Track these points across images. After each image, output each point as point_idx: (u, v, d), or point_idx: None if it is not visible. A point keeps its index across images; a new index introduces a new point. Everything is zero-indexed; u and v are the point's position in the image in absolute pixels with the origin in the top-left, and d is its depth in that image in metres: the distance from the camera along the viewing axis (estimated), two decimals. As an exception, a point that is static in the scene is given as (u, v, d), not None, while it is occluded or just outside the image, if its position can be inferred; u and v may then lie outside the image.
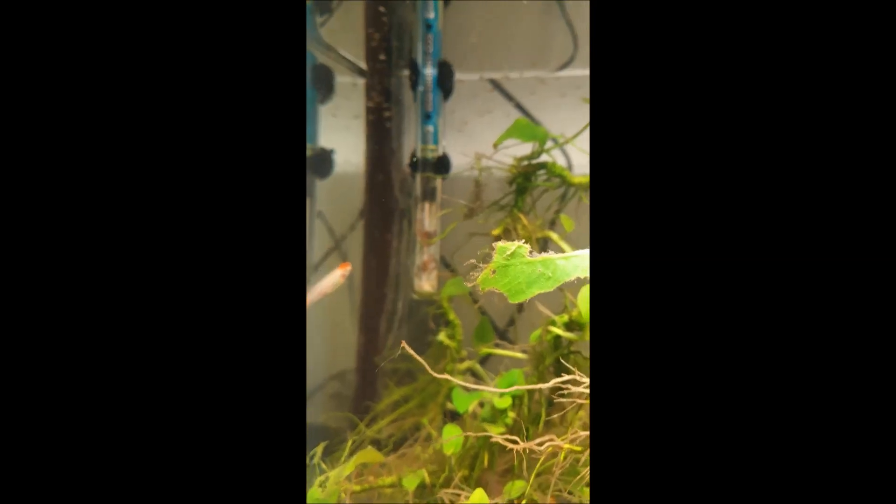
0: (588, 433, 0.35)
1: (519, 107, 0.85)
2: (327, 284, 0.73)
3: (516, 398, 0.60)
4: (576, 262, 0.29)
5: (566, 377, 0.34)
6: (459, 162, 0.84)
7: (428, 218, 0.84)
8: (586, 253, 0.29)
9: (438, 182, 0.83)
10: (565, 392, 0.34)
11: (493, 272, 0.30)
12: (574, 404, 0.36)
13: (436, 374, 0.33)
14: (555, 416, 0.50)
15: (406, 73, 0.81)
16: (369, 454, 0.51)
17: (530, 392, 0.61)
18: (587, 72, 0.84)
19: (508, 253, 0.30)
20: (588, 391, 0.35)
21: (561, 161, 0.83)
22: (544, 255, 0.29)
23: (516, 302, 0.29)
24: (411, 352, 0.32)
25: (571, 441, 0.35)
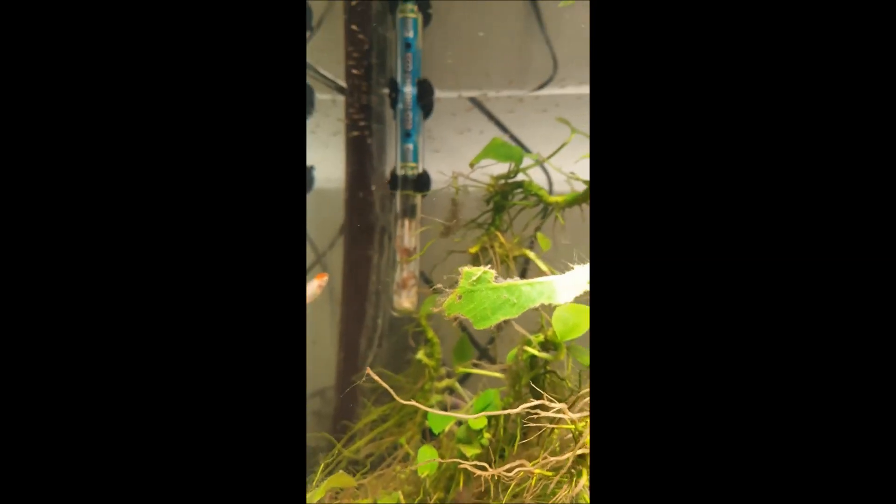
0: (559, 458, 0.35)
1: (498, 124, 0.86)
2: (305, 295, 0.73)
3: (492, 418, 0.60)
4: (541, 289, 0.29)
5: (535, 402, 0.34)
6: (438, 178, 0.84)
7: (408, 234, 0.84)
8: (552, 279, 0.29)
9: (418, 199, 0.83)
10: (535, 416, 0.34)
11: (459, 297, 0.29)
12: (545, 428, 0.36)
13: (403, 401, 0.33)
14: (532, 437, 0.50)
15: (386, 91, 0.81)
16: (340, 479, 0.50)
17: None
18: (566, 90, 0.85)
19: (474, 278, 0.30)
20: (559, 416, 0.35)
21: (541, 178, 0.84)
22: (509, 280, 0.29)
23: (481, 328, 0.28)
24: (376, 378, 0.32)
25: (542, 466, 0.35)
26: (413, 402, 0.33)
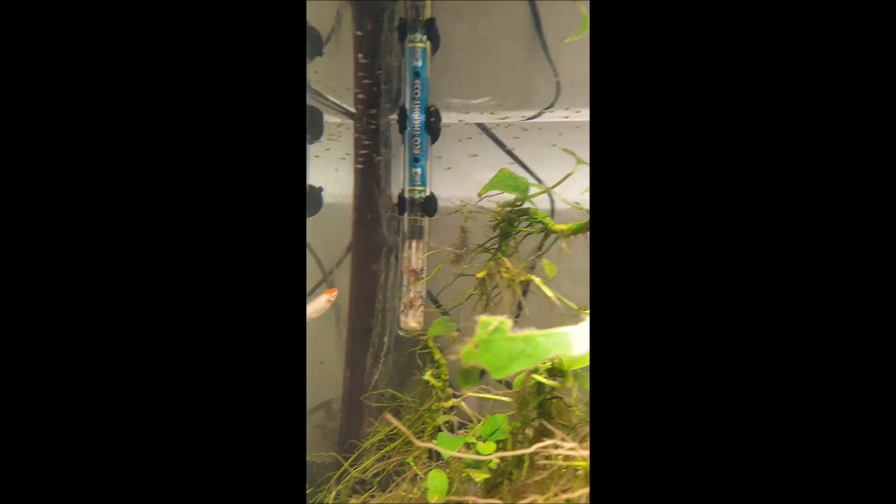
0: (571, 494, 0.37)
1: (506, 150, 0.88)
2: (312, 309, 0.75)
3: (500, 442, 0.61)
4: (556, 340, 0.31)
5: (547, 441, 0.36)
6: (447, 194, 0.86)
7: (415, 256, 0.86)
8: (566, 330, 0.31)
9: (426, 221, 0.85)
10: (547, 454, 0.36)
11: (476, 346, 0.31)
12: (556, 465, 0.38)
13: (420, 444, 0.34)
14: (538, 463, 0.51)
15: (394, 116, 0.83)
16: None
17: (514, 435, 0.62)
18: (570, 115, 0.87)
19: (491, 328, 0.31)
20: (569, 452, 0.37)
21: (544, 198, 0.86)
22: (525, 331, 0.31)
23: (498, 378, 0.30)
24: (396, 423, 0.34)
25: (555, 501, 0.37)
26: (427, 444, 0.34)
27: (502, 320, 0.32)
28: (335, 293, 0.77)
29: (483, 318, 0.32)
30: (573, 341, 0.31)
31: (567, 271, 0.67)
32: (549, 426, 0.44)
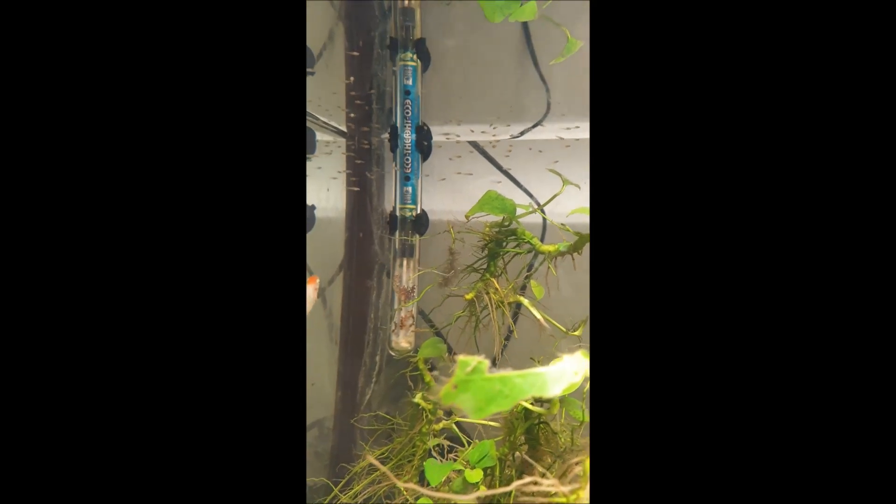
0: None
1: (499, 168, 0.88)
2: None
3: (488, 469, 0.61)
4: (532, 380, 0.30)
5: (527, 479, 0.35)
6: (439, 209, 0.86)
7: (406, 275, 0.86)
8: (543, 371, 0.31)
9: (417, 239, 0.85)
10: (528, 493, 0.35)
11: (455, 386, 0.31)
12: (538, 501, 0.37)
13: (401, 484, 0.34)
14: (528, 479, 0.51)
15: (386, 135, 0.83)
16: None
17: (502, 461, 0.62)
18: (561, 132, 0.87)
19: (469, 368, 0.31)
20: (551, 489, 0.36)
21: (539, 218, 0.86)
22: (503, 372, 0.30)
23: (477, 419, 0.30)
24: (377, 463, 0.33)
25: (536, 537, 0.36)
26: (412, 485, 0.34)
27: (480, 360, 0.31)
28: (317, 281, 0.77)
29: (462, 357, 0.32)
30: (549, 382, 0.31)
31: (563, 289, 0.67)
32: (530, 459, 0.43)
